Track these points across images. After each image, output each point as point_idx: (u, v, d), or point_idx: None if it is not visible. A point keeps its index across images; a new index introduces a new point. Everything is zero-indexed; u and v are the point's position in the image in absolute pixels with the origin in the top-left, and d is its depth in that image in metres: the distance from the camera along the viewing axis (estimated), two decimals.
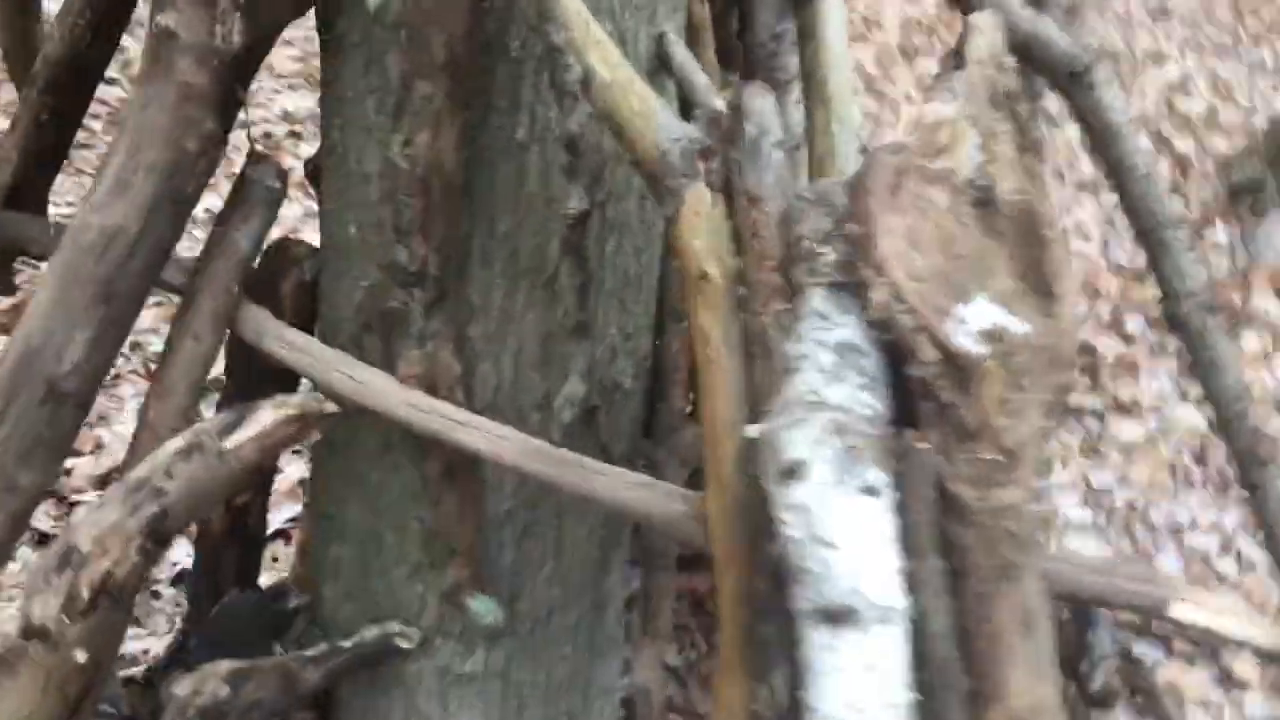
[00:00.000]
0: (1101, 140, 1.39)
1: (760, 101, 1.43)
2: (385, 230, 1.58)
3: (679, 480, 1.86)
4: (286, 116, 4.14)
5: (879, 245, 1.27)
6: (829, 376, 1.29)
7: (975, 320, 1.27)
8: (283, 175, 1.71)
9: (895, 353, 1.30)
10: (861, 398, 1.28)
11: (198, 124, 1.55)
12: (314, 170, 1.76)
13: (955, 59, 1.36)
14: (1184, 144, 5.04)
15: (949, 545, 1.27)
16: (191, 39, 1.52)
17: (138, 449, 1.63)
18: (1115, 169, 1.39)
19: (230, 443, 1.53)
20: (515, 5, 1.48)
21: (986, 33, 1.34)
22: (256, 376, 1.74)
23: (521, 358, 1.69)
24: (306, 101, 4.14)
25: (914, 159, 1.29)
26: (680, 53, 1.63)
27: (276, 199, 1.70)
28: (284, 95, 4.22)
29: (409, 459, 1.70)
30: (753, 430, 1.32)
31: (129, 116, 1.56)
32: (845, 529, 1.20)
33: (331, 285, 1.74)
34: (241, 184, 1.69)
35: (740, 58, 1.89)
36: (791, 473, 1.23)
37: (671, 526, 1.50)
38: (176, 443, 1.52)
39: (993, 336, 1.27)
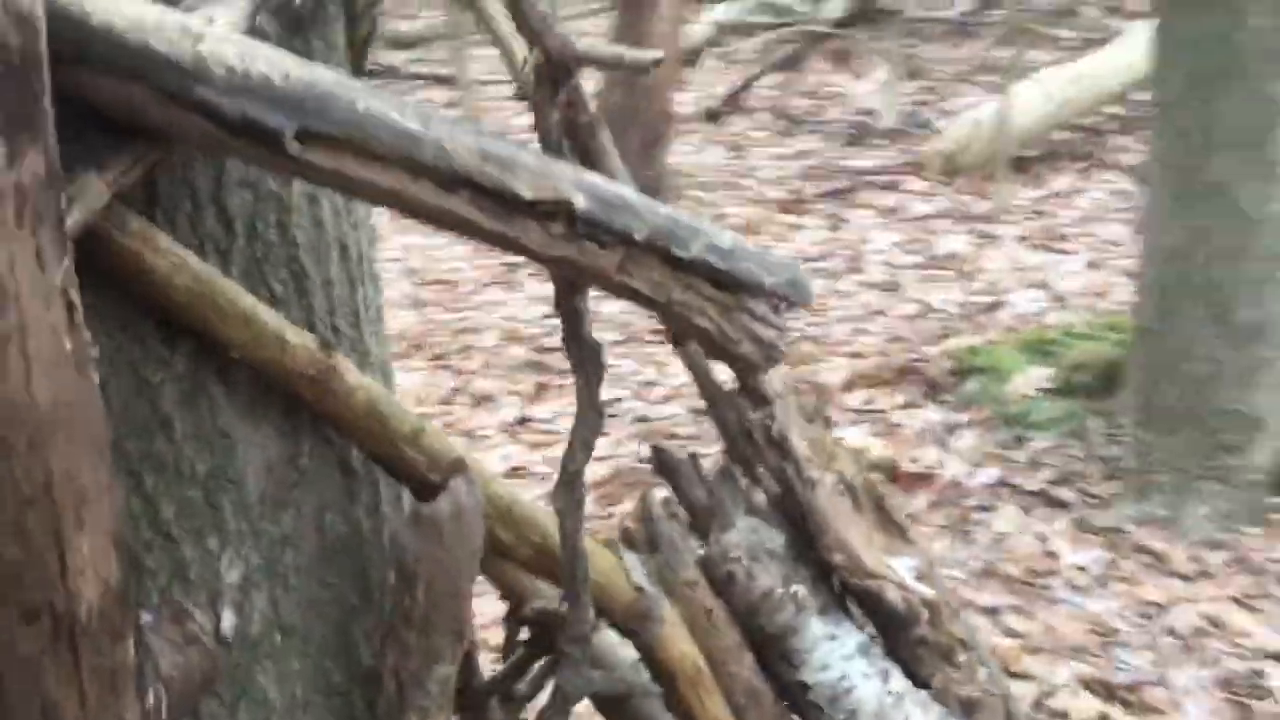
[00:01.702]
0: None
1: (660, 508, 1.52)
2: None
3: None
4: None
5: (863, 556, 1.54)
6: (879, 676, 1.54)
7: (906, 573, 1.62)
8: None
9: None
10: (899, 673, 1.56)
11: None
12: None
13: (752, 398, 1.61)
14: None
15: None
16: None
17: None
18: None
19: None
20: None
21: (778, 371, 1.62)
22: None
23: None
24: None
25: (829, 475, 1.57)
26: None
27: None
28: None
29: None
30: None
31: None
32: None
33: None
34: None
35: None
36: None
37: None
38: None
39: (922, 577, 1.63)
